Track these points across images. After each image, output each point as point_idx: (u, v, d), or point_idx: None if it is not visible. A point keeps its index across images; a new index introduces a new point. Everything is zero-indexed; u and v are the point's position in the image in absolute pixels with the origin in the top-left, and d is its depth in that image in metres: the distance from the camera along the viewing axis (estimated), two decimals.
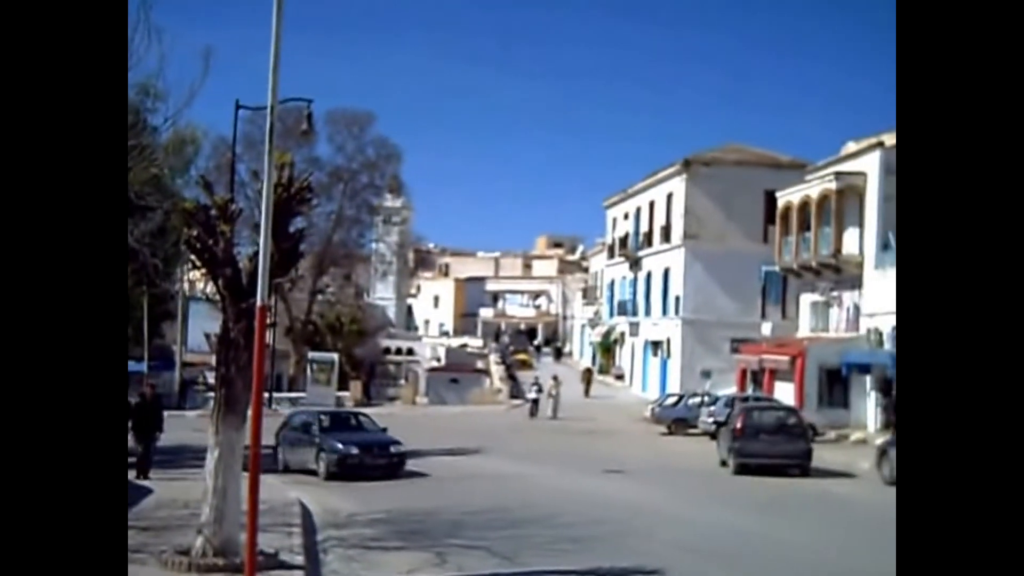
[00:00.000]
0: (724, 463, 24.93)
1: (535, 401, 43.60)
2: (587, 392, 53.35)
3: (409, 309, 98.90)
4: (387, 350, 71.10)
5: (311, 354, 53.50)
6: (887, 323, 35.15)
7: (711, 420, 33.19)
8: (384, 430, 24.24)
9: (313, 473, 22.19)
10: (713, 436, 29.15)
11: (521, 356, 73.67)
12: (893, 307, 34.28)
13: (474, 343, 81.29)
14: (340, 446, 22.26)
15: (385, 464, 22.39)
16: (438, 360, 67.02)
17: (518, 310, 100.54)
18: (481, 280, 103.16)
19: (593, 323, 71.12)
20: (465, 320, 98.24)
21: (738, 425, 24.19)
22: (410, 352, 72.46)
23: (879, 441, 26.54)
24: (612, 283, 65.37)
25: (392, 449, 22.87)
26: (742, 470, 23.53)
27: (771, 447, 23.65)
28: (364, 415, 26.22)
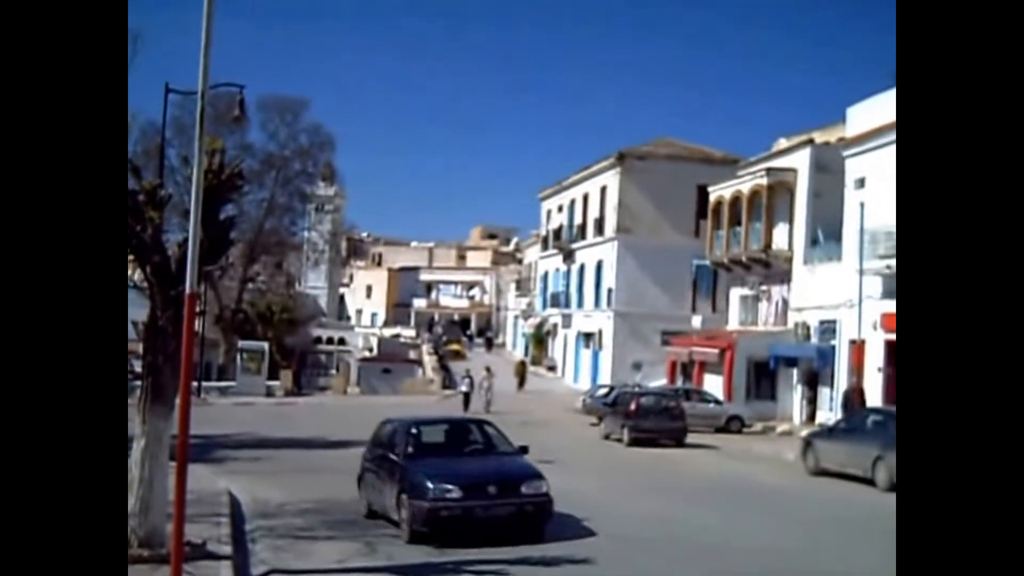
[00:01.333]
0: (607, 437, 31.20)
1: (467, 394, 43.38)
2: (521, 385, 52.86)
3: (341, 298, 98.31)
4: (318, 339, 70.59)
5: (241, 343, 52.98)
6: (814, 317, 35.89)
7: None
8: (521, 451, 15.19)
9: (397, 524, 13.82)
10: None
11: (454, 347, 73.64)
12: (820, 302, 35.05)
13: (407, 333, 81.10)
14: (429, 485, 13.31)
15: (509, 515, 13.48)
16: (370, 350, 66.85)
17: (452, 300, 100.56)
18: (415, 270, 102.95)
19: (526, 314, 71.43)
20: (398, 310, 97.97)
21: (632, 407, 30.44)
22: (342, 342, 71.99)
23: (804, 433, 27.24)
24: (546, 275, 65.71)
25: (524, 488, 13.67)
26: (634, 443, 29.17)
27: (657, 424, 29.97)
28: (489, 424, 16.56)
